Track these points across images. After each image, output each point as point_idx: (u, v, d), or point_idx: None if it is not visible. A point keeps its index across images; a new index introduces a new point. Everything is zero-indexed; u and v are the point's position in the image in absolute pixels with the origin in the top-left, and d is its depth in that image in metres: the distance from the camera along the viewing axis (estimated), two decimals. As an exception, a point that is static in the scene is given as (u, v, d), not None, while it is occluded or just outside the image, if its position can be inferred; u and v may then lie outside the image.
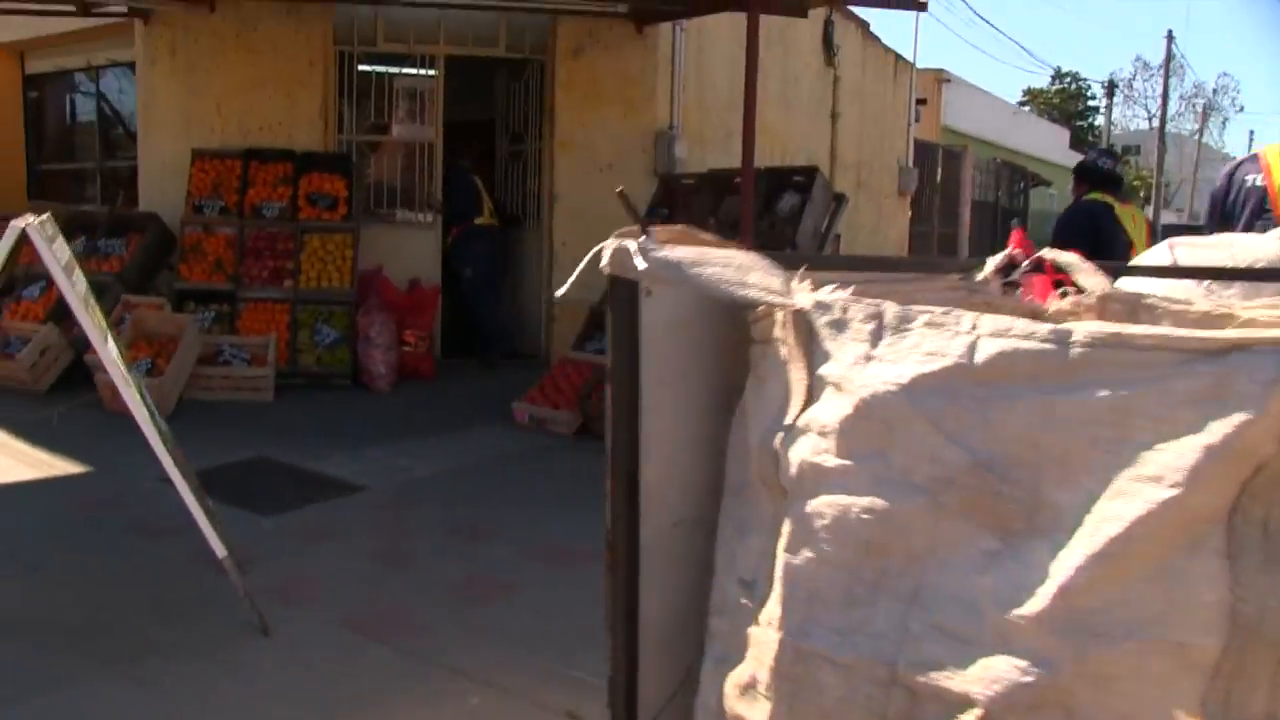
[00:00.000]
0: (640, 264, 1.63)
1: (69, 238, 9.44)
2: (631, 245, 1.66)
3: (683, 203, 8.95)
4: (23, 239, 3.38)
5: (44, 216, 3.55)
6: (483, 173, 10.44)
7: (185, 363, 7.80)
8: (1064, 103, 59.40)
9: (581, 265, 1.72)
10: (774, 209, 8.81)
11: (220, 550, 3.77)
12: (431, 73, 10.03)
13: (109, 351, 3.54)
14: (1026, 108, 49.40)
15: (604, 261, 1.70)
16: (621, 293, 1.69)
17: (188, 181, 9.38)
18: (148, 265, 9.15)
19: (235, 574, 3.83)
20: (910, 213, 17.39)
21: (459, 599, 4.42)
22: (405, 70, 10.12)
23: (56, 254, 3.48)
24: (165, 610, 4.13)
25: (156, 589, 4.36)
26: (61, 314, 8.54)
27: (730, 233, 8.55)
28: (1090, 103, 60.33)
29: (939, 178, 20.15)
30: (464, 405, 8.39)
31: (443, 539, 5.18)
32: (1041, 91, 60.03)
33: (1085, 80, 62.78)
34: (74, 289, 3.45)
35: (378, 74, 9.93)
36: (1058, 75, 60.81)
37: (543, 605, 4.37)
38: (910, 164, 16.91)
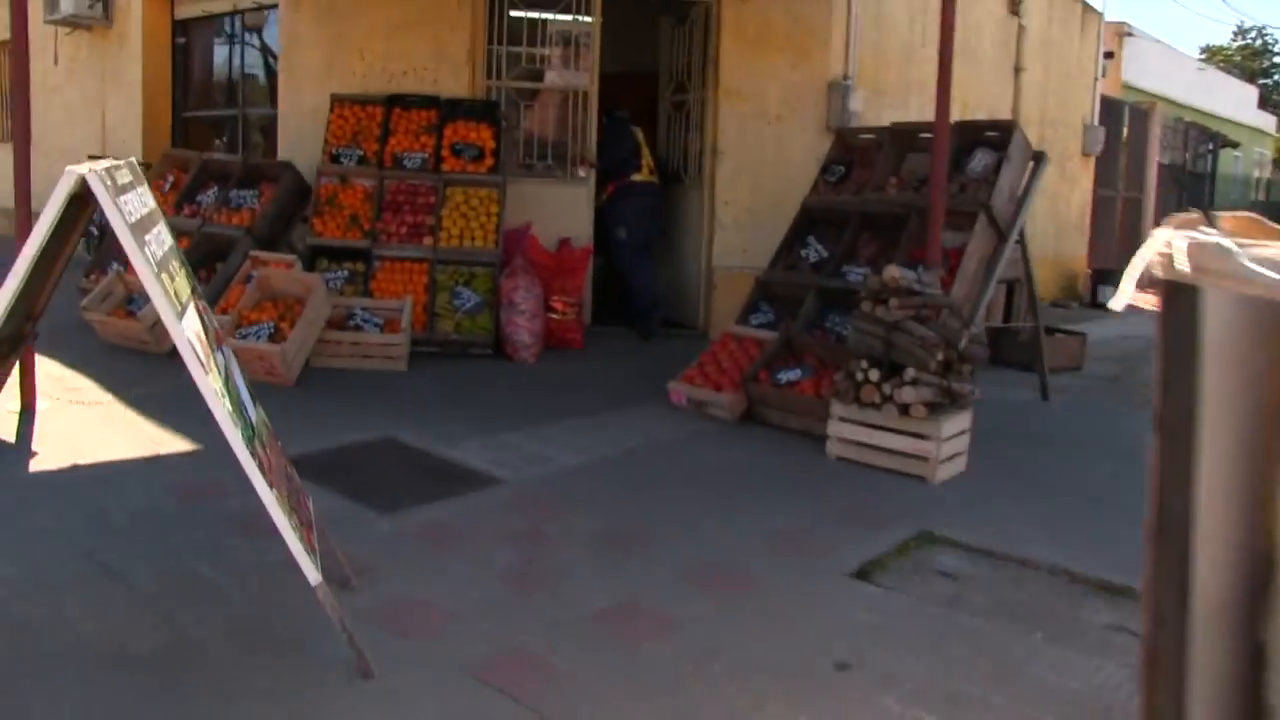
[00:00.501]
0: (1238, 265, 0.81)
1: (201, 187, 9.01)
2: (1224, 242, 0.79)
3: (861, 160, 7.99)
4: (80, 189, 2.66)
5: (112, 163, 2.85)
6: (643, 126, 9.61)
7: (312, 328, 7.19)
8: (1246, 60, 55.66)
9: (1135, 267, 0.91)
10: (964, 168, 7.76)
11: (314, 577, 3.05)
12: (588, 18, 9.20)
13: (182, 329, 2.82)
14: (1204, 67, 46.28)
15: (1179, 261, 0.88)
16: (1179, 300, 0.89)
17: (325, 129, 8.79)
18: (280, 218, 8.58)
19: (331, 605, 3.11)
20: (1093, 176, 15.98)
21: (605, 637, 3.62)
22: (560, 16, 9.30)
23: (127, 208, 2.76)
24: (254, 636, 3.45)
25: (248, 607, 3.68)
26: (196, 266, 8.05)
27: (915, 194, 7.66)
28: (1277, 59, 56.42)
29: (1124, 138, 18.56)
30: (614, 382, 7.63)
31: (587, 552, 4.39)
32: (1221, 49, 56.36)
33: (1271, 33, 58.55)
34: (143, 251, 2.73)
35: (530, 18, 9.13)
36: (1241, 31, 57.02)
37: (707, 647, 3.56)
38: (1096, 122, 15.48)
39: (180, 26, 12.21)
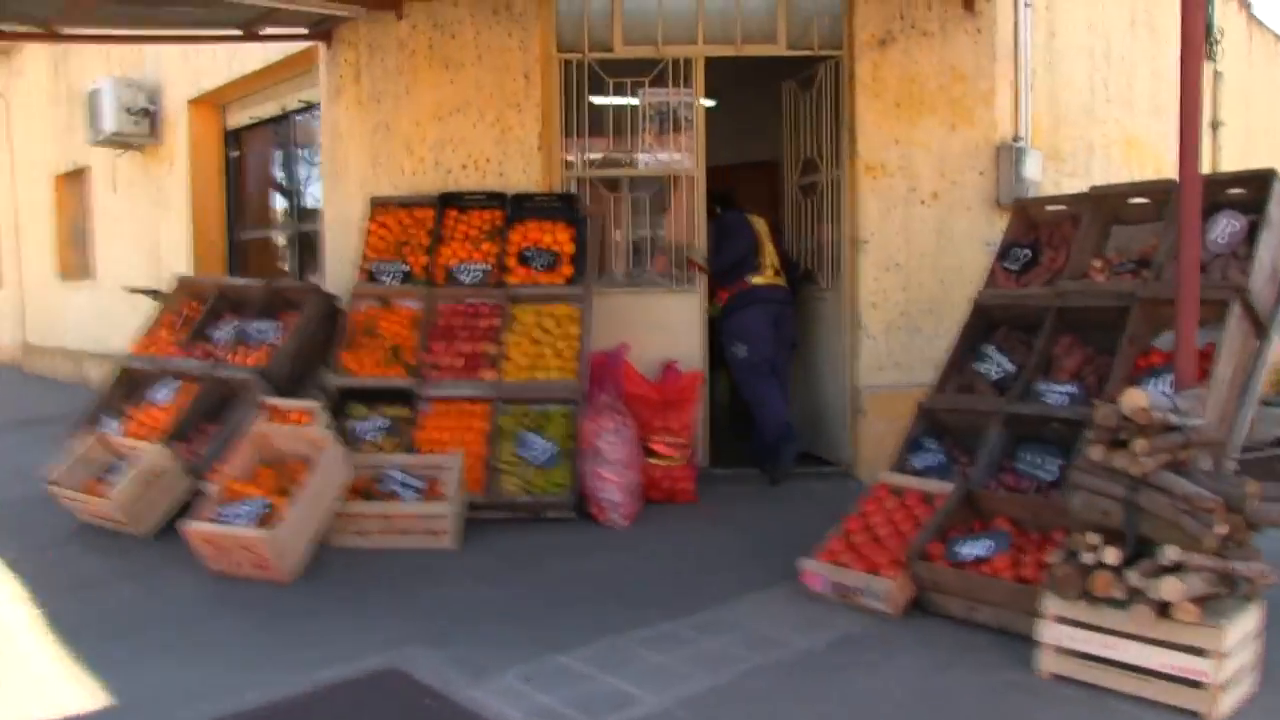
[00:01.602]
0: None
1: (216, 320, 7.29)
2: None
3: (1050, 239, 5.86)
4: None
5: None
6: (764, 218, 7.70)
7: (318, 502, 5.32)
8: None
9: None
10: (1203, 239, 5.62)
11: None
12: (689, 92, 7.36)
13: None
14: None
15: None
16: None
17: (362, 241, 7.07)
18: (303, 355, 6.80)
19: None
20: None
21: None
22: (654, 90, 7.47)
23: None
24: None
25: None
26: (188, 426, 6.32)
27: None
28: None
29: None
30: (732, 553, 5.56)
31: None
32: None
33: None
34: None
35: (615, 87, 7.33)
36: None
37: None
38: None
39: (233, 138, 10.83)
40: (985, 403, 5.34)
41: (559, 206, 6.99)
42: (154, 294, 8.57)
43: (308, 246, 9.71)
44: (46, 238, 15.06)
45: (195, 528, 5.14)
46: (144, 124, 11.10)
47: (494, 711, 3.61)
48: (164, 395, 6.78)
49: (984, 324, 5.86)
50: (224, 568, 5.19)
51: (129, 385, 7.14)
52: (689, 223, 7.41)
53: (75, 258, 14.55)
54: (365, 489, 5.78)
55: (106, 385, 7.21)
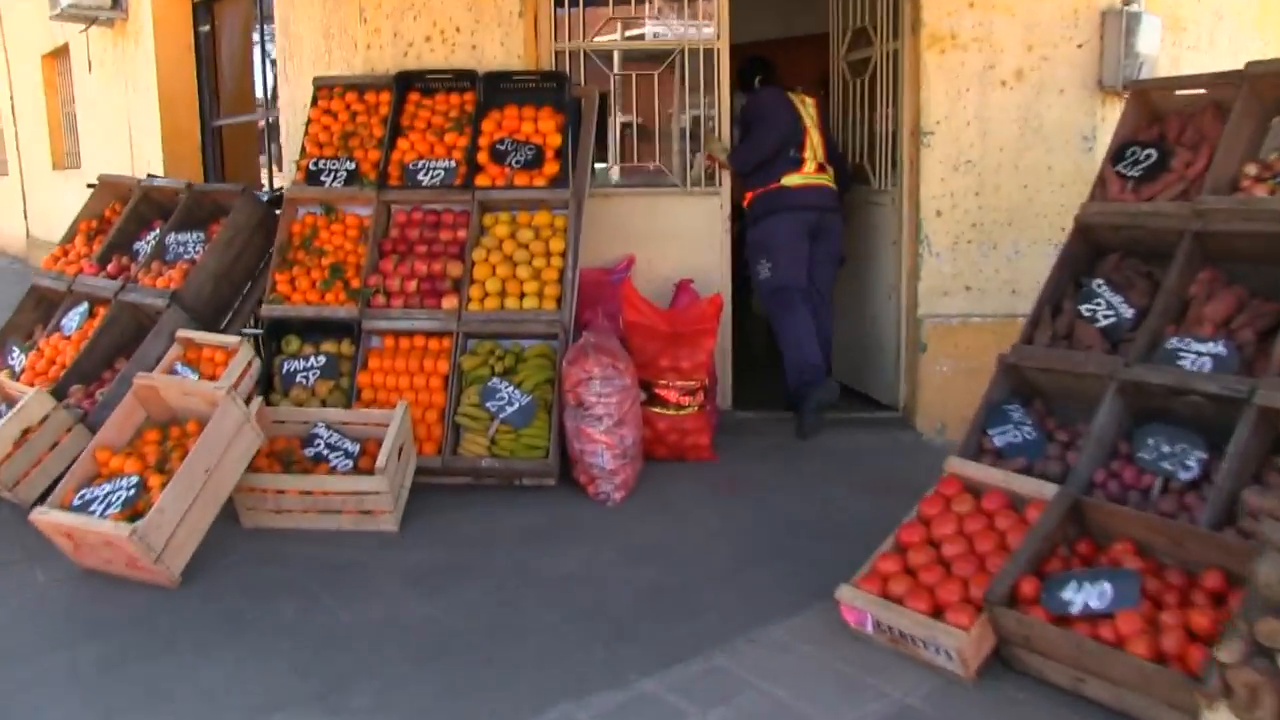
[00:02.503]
0: None
1: (141, 230, 6.00)
2: None
3: (1183, 134, 4.38)
4: None
5: None
6: (812, 98, 6.21)
7: (212, 481, 4.08)
8: None
9: None
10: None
11: None
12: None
13: None
14: None
15: None
16: None
17: (303, 134, 5.74)
18: (230, 276, 5.54)
19: None
20: None
21: None
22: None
23: None
24: None
25: None
26: (96, 363, 5.13)
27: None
28: None
29: None
30: (749, 549, 4.27)
31: None
32: None
33: None
34: None
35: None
36: None
37: None
38: None
39: (203, 11, 9.43)
40: (1094, 362, 3.95)
41: (545, 88, 5.58)
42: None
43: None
44: (40, 123, 13.91)
45: (44, 517, 3.94)
46: (106, -5, 9.76)
47: None
48: (72, 322, 5.58)
49: (1089, 249, 4.45)
50: (94, 565, 4.01)
51: (45, 306, 5.96)
52: (713, 108, 5.98)
53: (67, 145, 13.41)
54: (285, 452, 4.56)
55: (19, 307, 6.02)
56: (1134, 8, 5.65)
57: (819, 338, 5.88)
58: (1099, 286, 4.21)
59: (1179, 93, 4.51)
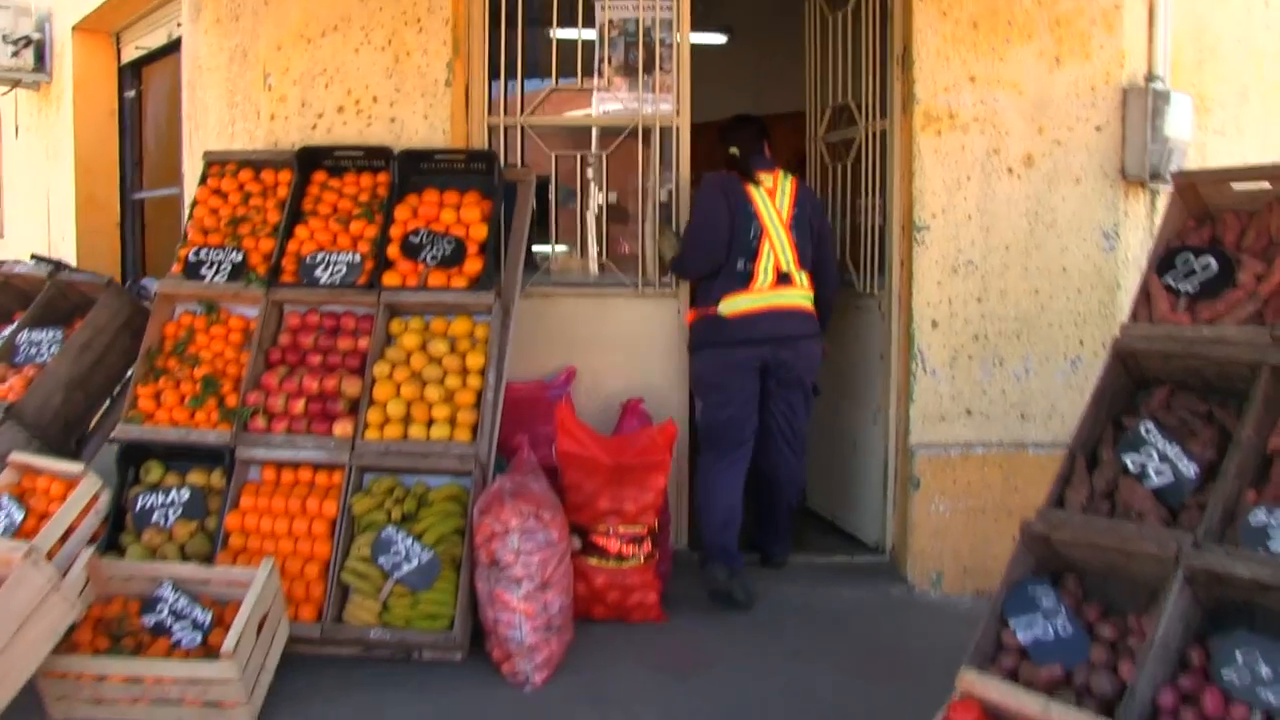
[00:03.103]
0: None
1: (2, 320, 4.78)
2: None
3: (1246, 238, 3.52)
4: None
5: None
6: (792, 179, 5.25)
7: (14, 659, 3.15)
8: None
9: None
10: None
11: None
12: (669, 5, 5.09)
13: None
14: None
15: None
16: None
17: (187, 217, 4.87)
18: (86, 386, 4.64)
19: None
20: None
21: None
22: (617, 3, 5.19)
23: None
24: None
25: None
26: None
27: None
28: None
29: None
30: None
31: None
32: None
33: None
34: None
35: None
36: None
37: None
38: None
39: (131, 74, 8.60)
40: (1151, 538, 3.07)
41: (472, 169, 4.72)
42: (56, 267, 6.55)
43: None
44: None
45: None
46: (27, 56, 8.92)
47: None
48: None
49: (1130, 381, 3.59)
50: None
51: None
52: (670, 195, 5.14)
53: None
54: (117, 621, 3.63)
55: None
56: (1160, 85, 4.85)
57: (777, 495, 4.94)
58: (1148, 432, 3.32)
59: (1236, 187, 3.66)
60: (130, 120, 8.65)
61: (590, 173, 5.27)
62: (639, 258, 5.14)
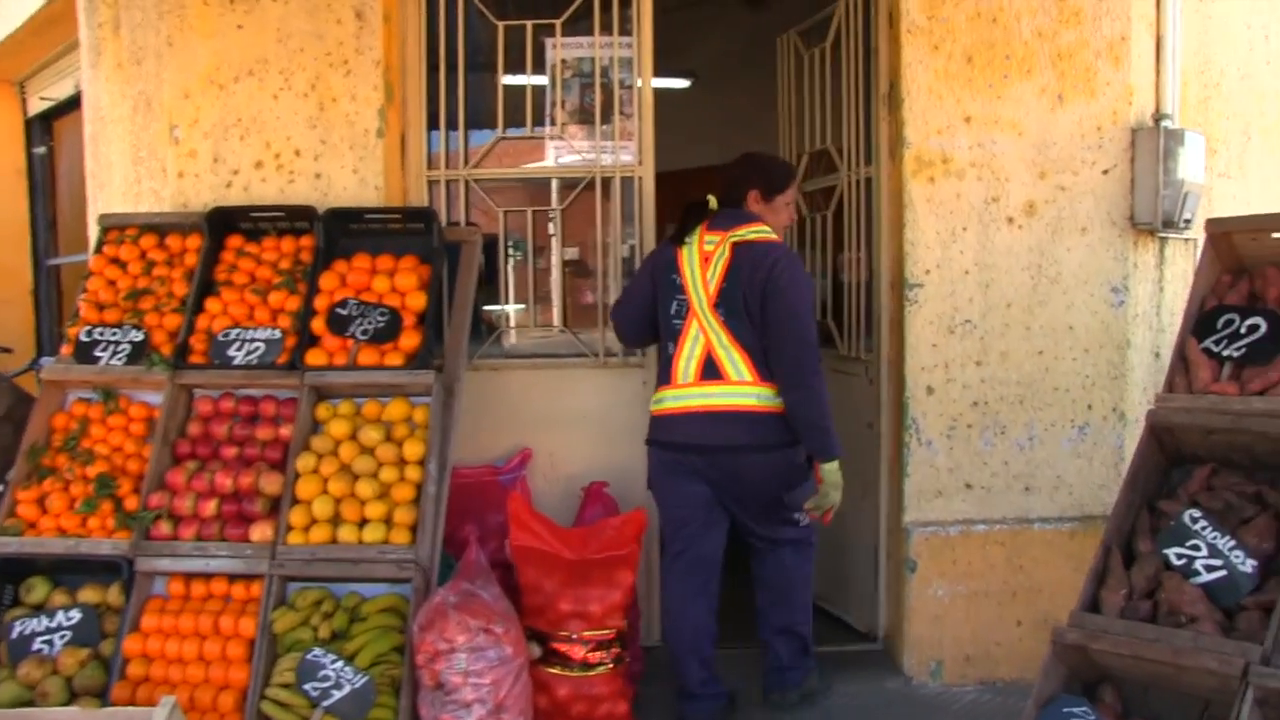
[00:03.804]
0: None
1: None
2: None
3: None
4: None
5: None
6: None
7: None
8: None
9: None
10: None
11: None
12: (628, 41, 4.59)
13: None
14: None
15: None
16: None
17: (81, 290, 4.27)
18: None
19: None
20: None
21: None
22: (572, 41, 4.69)
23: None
24: None
25: None
26: None
27: None
28: None
29: None
30: None
31: None
32: None
33: None
34: None
35: (509, 36, 4.57)
36: None
37: None
38: None
39: (41, 128, 8.00)
40: (1207, 652, 2.58)
41: (407, 230, 4.17)
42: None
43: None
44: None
45: None
46: (-70, 111, 8.30)
47: None
48: None
49: (1164, 459, 3.12)
50: None
51: None
52: (633, 249, 4.63)
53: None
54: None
55: None
56: (1170, 124, 4.42)
57: (765, 607, 4.09)
58: (1195, 521, 2.84)
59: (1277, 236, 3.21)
60: (41, 179, 8.06)
61: (552, 228, 4.74)
62: (600, 324, 4.59)
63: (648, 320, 3.95)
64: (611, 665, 3.87)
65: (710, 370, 3.73)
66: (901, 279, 4.37)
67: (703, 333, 3.74)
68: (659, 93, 4.68)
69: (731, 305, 3.71)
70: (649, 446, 3.95)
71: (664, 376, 3.86)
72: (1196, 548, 2.80)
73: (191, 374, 3.92)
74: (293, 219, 4.22)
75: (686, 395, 3.77)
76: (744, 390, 3.70)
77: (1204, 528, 2.82)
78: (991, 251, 4.34)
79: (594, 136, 4.61)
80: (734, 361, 3.71)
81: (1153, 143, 4.34)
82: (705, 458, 3.76)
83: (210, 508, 3.67)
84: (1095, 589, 2.93)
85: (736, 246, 3.75)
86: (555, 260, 5.06)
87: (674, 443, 3.81)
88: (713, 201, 3.90)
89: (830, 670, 4.37)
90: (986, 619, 4.41)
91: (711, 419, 3.72)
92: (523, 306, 4.95)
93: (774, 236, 3.83)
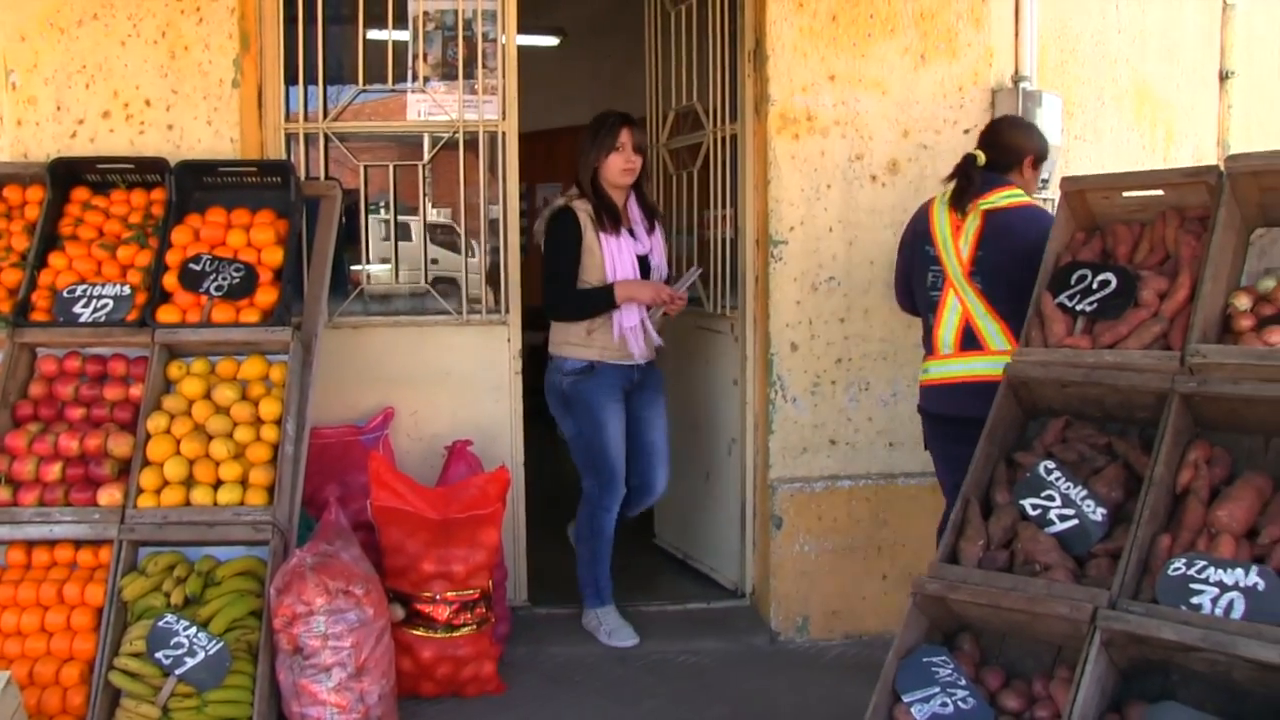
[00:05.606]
0: None
1: None
2: None
3: (1141, 251, 3.16)
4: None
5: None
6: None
7: None
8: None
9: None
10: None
11: None
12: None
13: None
14: None
15: None
16: None
17: (-86, 244, 4.06)
18: None
19: None
20: None
21: None
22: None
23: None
24: None
25: None
26: None
27: None
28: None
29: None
30: None
31: None
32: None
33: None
34: None
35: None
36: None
37: None
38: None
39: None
40: (1062, 598, 2.67)
41: (264, 184, 4.05)
42: None
43: None
44: None
45: None
46: None
47: None
48: None
49: (1021, 412, 3.20)
50: None
51: None
52: (504, 210, 4.56)
53: None
54: None
55: None
56: (1029, 85, 4.52)
57: None
58: (1049, 473, 2.92)
59: (1128, 194, 3.30)
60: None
61: (425, 187, 4.64)
62: (463, 281, 4.52)
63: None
64: (476, 626, 3.86)
65: (969, 340, 3.61)
66: (766, 236, 4.40)
67: (960, 302, 3.62)
68: (528, 50, 4.63)
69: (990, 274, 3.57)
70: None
71: (927, 346, 3.77)
72: (1051, 498, 2.88)
73: (34, 331, 3.75)
74: (143, 171, 4.06)
75: (947, 365, 3.68)
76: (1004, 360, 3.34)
77: (1058, 478, 2.89)
78: (855, 209, 4.40)
79: (456, 91, 4.52)
80: (993, 331, 3.58)
81: (1011, 103, 4.43)
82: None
83: (54, 471, 3.53)
84: (955, 541, 2.99)
85: (989, 214, 3.59)
86: (421, 217, 4.95)
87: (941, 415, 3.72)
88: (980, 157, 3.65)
89: (698, 628, 4.43)
90: (852, 573, 4.50)
91: (973, 391, 3.51)
92: (387, 265, 4.87)
93: (1030, 200, 3.67)
